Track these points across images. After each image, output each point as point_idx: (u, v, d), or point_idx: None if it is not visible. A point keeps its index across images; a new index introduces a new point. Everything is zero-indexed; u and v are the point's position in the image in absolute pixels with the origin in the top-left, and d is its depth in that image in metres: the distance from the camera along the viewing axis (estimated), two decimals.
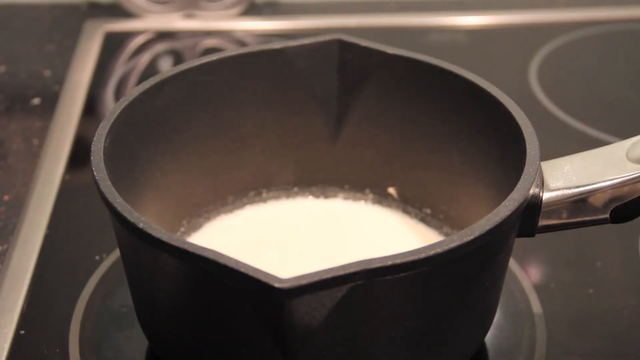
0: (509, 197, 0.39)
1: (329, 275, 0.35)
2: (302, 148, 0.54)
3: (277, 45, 0.51)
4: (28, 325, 0.50)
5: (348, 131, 0.53)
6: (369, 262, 0.35)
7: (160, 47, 0.82)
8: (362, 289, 0.36)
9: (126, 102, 0.45)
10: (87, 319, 0.50)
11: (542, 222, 0.43)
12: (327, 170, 0.55)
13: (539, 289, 0.53)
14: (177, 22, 0.85)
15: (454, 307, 0.41)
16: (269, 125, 0.53)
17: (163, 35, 0.84)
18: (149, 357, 0.48)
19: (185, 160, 0.51)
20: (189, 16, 0.86)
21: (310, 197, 0.56)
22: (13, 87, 0.76)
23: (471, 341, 0.45)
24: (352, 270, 0.35)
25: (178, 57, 0.81)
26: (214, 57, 0.50)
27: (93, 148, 0.42)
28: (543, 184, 0.42)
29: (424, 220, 0.54)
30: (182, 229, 0.53)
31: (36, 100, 0.73)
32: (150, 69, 0.79)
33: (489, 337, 0.49)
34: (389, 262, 0.35)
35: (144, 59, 0.80)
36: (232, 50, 0.50)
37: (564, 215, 0.43)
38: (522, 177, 0.41)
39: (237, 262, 0.35)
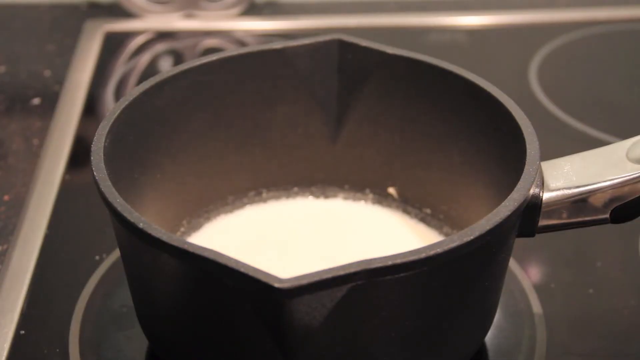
0: (509, 197, 0.39)
1: (329, 275, 0.35)
2: (302, 148, 0.54)
3: (277, 45, 0.51)
4: (28, 325, 0.50)
5: (348, 131, 0.53)
6: (369, 262, 0.35)
7: (160, 47, 0.82)
8: (362, 289, 0.36)
9: (126, 102, 0.45)
10: (87, 319, 0.50)
11: (542, 222, 0.43)
12: (327, 170, 0.55)
13: (539, 289, 0.53)
14: (177, 22, 0.85)
15: (454, 307, 0.41)
16: (269, 125, 0.53)
17: (163, 35, 0.84)
18: (149, 357, 0.48)
19: (185, 160, 0.51)
20: (189, 16, 0.86)
21: (310, 197, 0.56)
22: (13, 87, 0.76)
23: (471, 341, 0.45)
24: (352, 270, 0.35)
25: (178, 57, 0.81)
26: (214, 57, 0.50)
27: (93, 148, 0.42)
28: (543, 184, 0.42)
29: (424, 220, 0.54)
30: (182, 229, 0.53)
31: (36, 100, 0.73)
32: (150, 69, 0.79)
33: (489, 337, 0.49)
34: (389, 262, 0.35)
35: (144, 59, 0.80)
36: (232, 50, 0.50)
37: (564, 215, 0.43)
38: (522, 177, 0.41)
39: (237, 262, 0.35)
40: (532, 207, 0.42)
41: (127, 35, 0.83)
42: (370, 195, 0.56)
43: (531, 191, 0.41)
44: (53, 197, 0.60)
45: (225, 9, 0.86)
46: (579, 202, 0.42)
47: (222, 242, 0.52)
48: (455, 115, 0.49)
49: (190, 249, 0.36)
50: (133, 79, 0.77)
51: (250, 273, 0.34)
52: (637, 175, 0.42)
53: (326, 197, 0.56)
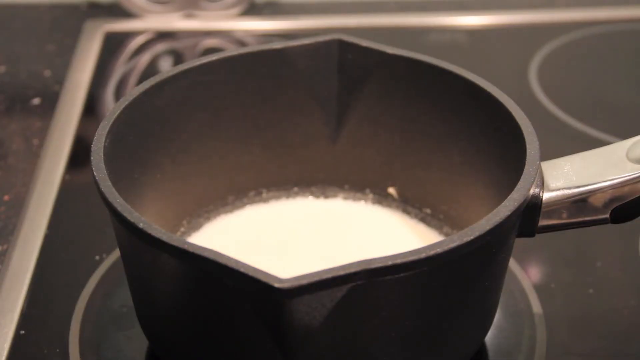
0: (509, 197, 0.39)
1: (329, 275, 0.35)
2: (302, 148, 0.54)
3: (277, 45, 0.51)
4: (28, 325, 0.50)
5: (348, 131, 0.53)
6: (369, 262, 0.35)
7: (160, 47, 0.82)
8: (362, 289, 0.36)
9: (126, 102, 0.45)
10: (87, 319, 0.50)
11: (542, 222, 0.43)
12: (327, 170, 0.55)
13: (539, 289, 0.53)
14: (177, 22, 0.85)
15: (454, 307, 0.41)
16: (269, 125, 0.53)
17: (163, 35, 0.84)
18: (149, 357, 0.48)
19: (185, 160, 0.51)
20: (189, 16, 0.86)
21: (310, 197, 0.56)
22: (13, 87, 0.76)
23: (471, 341, 0.45)
24: (352, 270, 0.35)
25: (178, 57, 0.81)
26: (214, 57, 0.50)
27: (93, 148, 0.42)
28: (543, 184, 0.42)
29: (424, 220, 0.54)
30: (182, 229, 0.53)
31: (36, 100, 0.73)
32: (150, 69, 0.79)
33: (489, 337, 0.49)
34: (389, 262, 0.35)
35: (144, 59, 0.80)
36: (232, 50, 0.50)
37: (564, 215, 0.43)
38: (522, 177, 0.41)
39: (237, 262, 0.35)
40: (532, 207, 0.42)
41: (127, 35, 0.83)
42: (370, 195, 0.56)
43: (531, 191, 0.41)
44: (53, 197, 0.60)
45: (225, 9, 0.86)
46: (579, 202, 0.42)
47: (222, 242, 0.52)
48: (455, 115, 0.49)
49: (190, 249, 0.36)
50: (133, 79, 0.77)
51: (250, 273, 0.34)
52: (637, 175, 0.42)
53: (326, 197, 0.56)
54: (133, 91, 0.46)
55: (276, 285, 0.34)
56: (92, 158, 0.42)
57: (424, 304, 0.39)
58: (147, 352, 0.48)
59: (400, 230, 0.54)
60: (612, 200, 0.42)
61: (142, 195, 0.47)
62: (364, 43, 0.50)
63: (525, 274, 0.54)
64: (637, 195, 0.42)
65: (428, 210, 0.54)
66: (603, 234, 0.53)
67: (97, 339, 0.49)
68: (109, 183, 0.40)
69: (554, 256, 0.56)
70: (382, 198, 0.55)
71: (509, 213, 0.39)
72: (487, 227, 0.38)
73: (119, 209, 0.38)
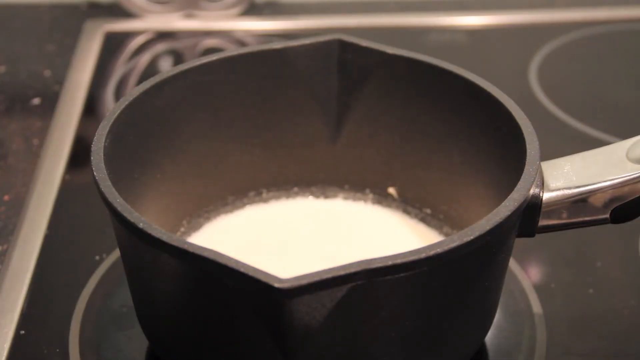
0: (509, 197, 0.39)
1: (329, 275, 0.35)
2: (302, 148, 0.54)
3: (277, 45, 0.51)
4: (28, 325, 0.50)
5: (348, 131, 0.53)
6: (369, 262, 0.35)
7: (160, 47, 0.82)
8: (362, 289, 0.36)
9: (126, 102, 0.45)
10: (87, 319, 0.50)
11: (542, 222, 0.43)
12: (327, 170, 0.55)
13: (539, 289, 0.53)
14: (177, 22, 0.85)
15: (454, 307, 0.41)
16: (269, 125, 0.53)
17: (163, 35, 0.84)
18: (149, 357, 0.48)
19: (185, 160, 0.51)
20: (189, 16, 0.86)
21: (310, 197, 0.56)
22: (13, 87, 0.76)
23: (471, 341, 0.45)
24: (352, 270, 0.35)
25: (178, 57, 0.81)
26: (214, 57, 0.50)
27: (93, 148, 0.42)
28: (543, 184, 0.42)
29: (424, 220, 0.54)
30: (182, 229, 0.53)
31: (36, 100, 0.73)
32: (150, 69, 0.79)
33: (489, 337, 0.49)
34: (389, 262, 0.35)
35: (144, 59, 0.80)
36: (232, 50, 0.50)
37: (564, 215, 0.43)
38: (522, 177, 0.41)
39: (237, 262, 0.35)
40: (532, 207, 0.42)
41: (127, 35, 0.83)
42: (370, 195, 0.56)
43: (531, 191, 0.41)
44: (53, 197, 0.60)
45: (225, 9, 0.86)
46: (579, 202, 0.42)
47: (222, 242, 0.52)
48: (455, 115, 0.49)
49: (190, 249, 0.36)
50: (133, 79, 0.77)
51: (250, 273, 0.34)
52: (637, 175, 0.42)
53: (326, 197, 0.56)
54: (133, 91, 0.46)
55: (276, 285, 0.34)
56: (92, 158, 0.42)
57: (424, 304, 0.39)
58: (147, 352, 0.48)
59: (400, 230, 0.54)
60: (612, 200, 0.42)
61: (142, 195, 0.47)
62: (364, 43, 0.50)
63: (525, 274, 0.54)
64: (637, 195, 0.42)
65: (428, 210, 0.54)
66: (603, 234, 0.53)
67: (97, 339, 0.49)
68: (109, 183, 0.40)
69: (554, 256, 0.56)
70: (382, 198, 0.55)
71: (509, 213, 0.39)
72: (487, 227, 0.38)
73: (119, 209, 0.38)
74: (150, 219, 0.39)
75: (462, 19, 0.86)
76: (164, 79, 0.48)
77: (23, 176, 0.63)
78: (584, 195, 0.42)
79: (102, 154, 0.42)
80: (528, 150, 0.42)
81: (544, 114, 0.71)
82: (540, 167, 0.42)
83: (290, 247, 0.52)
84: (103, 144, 0.42)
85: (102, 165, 0.41)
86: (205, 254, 0.35)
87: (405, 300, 0.38)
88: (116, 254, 0.54)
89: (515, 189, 0.40)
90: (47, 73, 0.77)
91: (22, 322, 0.50)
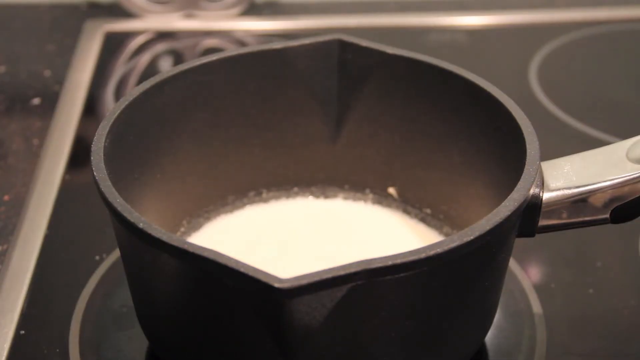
0: (509, 197, 0.39)
1: (329, 275, 0.35)
2: (302, 148, 0.54)
3: (277, 45, 0.51)
4: (28, 325, 0.50)
5: (348, 131, 0.53)
6: (369, 262, 0.35)
7: (160, 47, 0.82)
8: (362, 289, 0.36)
9: (126, 102, 0.45)
10: (87, 319, 0.50)
11: (542, 222, 0.43)
12: (327, 170, 0.55)
13: (539, 289, 0.53)
14: (177, 22, 0.85)
15: (454, 307, 0.41)
16: (269, 125, 0.53)
17: (163, 35, 0.84)
18: (149, 357, 0.48)
19: (185, 160, 0.51)
20: (189, 16, 0.86)
21: (310, 197, 0.56)
22: (13, 87, 0.76)
23: (471, 341, 0.45)
24: (352, 270, 0.35)
25: (178, 57, 0.81)
26: (214, 57, 0.50)
27: (93, 148, 0.42)
28: (543, 184, 0.42)
29: (424, 220, 0.54)
30: (182, 229, 0.53)
31: (36, 100, 0.73)
32: (150, 69, 0.79)
33: (489, 337, 0.49)
34: (389, 262, 0.35)
35: (144, 59, 0.80)
36: (232, 50, 0.50)
37: (564, 215, 0.43)
38: (522, 177, 0.41)
39: (237, 262, 0.35)
40: (532, 207, 0.42)
41: (127, 35, 0.83)
42: (370, 195, 0.56)
43: (531, 191, 0.41)
44: (53, 197, 0.60)
45: (225, 9, 0.86)
46: (579, 202, 0.42)
47: (222, 242, 0.52)
48: (455, 115, 0.49)
49: (190, 249, 0.36)
50: (133, 79, 0.77)
51: (250, 273, 0.34)
52: (637, 175, 0.42)
53: (326, 197, 0.56)
54: (133, 91, 0.46)
55: (276, 285, 0.34)
56: (92, 158, 0.42)
57: (424, 304, 0.39)
58: (147, 352, 0.48)
59: (400, 230, 0.54)
60: (612, 200, 0.42)
61: (142, 195, 0.47)
62: (364, 43, 0.50)
63: (525, 274, 0.54)
64: (637, 195, 0.42)
65: (428, 210, 0.54)
66: (603, 234, 0.53)
67: (97, 339, 0.49)
68: (109, 183, 0.40)
69: (554, 256, 0.56)
70: (382, 198, 0.55)
71: (509, 213, 0.39)
72: (487, 227, 0.38)
73: (119, 209, 0.38)
74: (150, 219, 0.39)
75: (462, 19, 0.86)
76: (164, 79, 0.48)
77: (23, 176, 0.63)
78: (584, 195, 0.42)
79: (102, 154, 0.42)
80: (528, 150, 0.42)
81: (544, 114, 0.71)
82: (540, 167, 0.42)
83: (290, 247, 0.52)
84: (103, 144, 0.42)
85: (102, 165, 0.41)
86: (205, 254, 0.35)
87: (405, 300, 0.38)
88: (116, 254, 0.54)
89: (515, 189, 0.40)
90: (47, 73, 0.77)
91: (22, 322, 0.50)
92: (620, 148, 0.43)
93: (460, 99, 0.48)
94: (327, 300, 0.35)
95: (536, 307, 0.51)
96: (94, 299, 0.51)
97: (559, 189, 0.42)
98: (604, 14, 0.87)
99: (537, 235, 0.43)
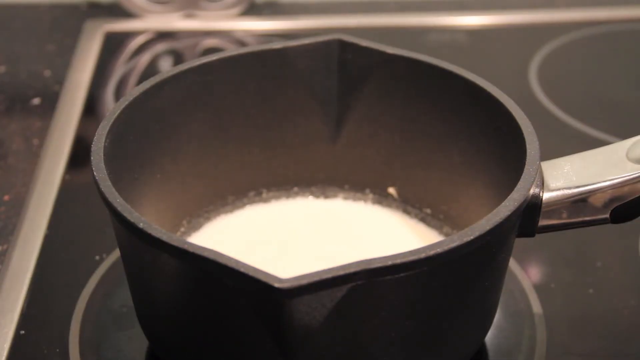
0: (509, 197, 0.39)
1: (329, 275, 0.35)
2: (302, 148, 0.54)
3: (277, 45, 0.51)
4: (28, 325, 0.50)
5: (348, 131, 0.53)
6: (369, 262, 0.35)
7: (160, 47, 0.82)
8: (362, 289, 0.36)
9: (126, 102, 0.45)
10: (87, 319, 0.50)
11: (542, 222, 0.43)
12: (327, 170, 0.55)
13: (539, 289, 0.53)
14: (177, 22, 0.85)
15: (454, 307, 0.41)
16: (269, 125, 0.53)
17: (163, 35, 0.84)
18: (149, 357, 0.48)
19: (185, 160, 0.51)
20: (189, 16, 0.86)
21: (310, 197, 0.56)
22: (13, 87, 0.76)
23: (471, 341, 0.45)
24: (352, 270, 0.35)
25: (178, 57, 0.81)
26: (214, 57, 0.50)
27: (93, 148, 0.42)
28: (543, 184, 0.42)
29: (424, 220, 0.54)
30: (182, 229, 0.53)
31: (36, 100, 0.73)
32: (150, 69, 0.79)
33: (489, 337, 0.49)
34: (389, 262, 0.35)
35: (144, 59, 0.80)
36: (232, 50, 0.50)
37: (564, 215, 0.43)
38: (522, 177, 0.41)
39: (237, 262, 0.35)
40: (532, 207, 0.42)
41: (127, 35, 0.83)
42: (370, 195, 0.56)
43: (531, 191, 0.41)
44: (53, 197, 0.60)
45: (225, 9, 0.86)
46: (579, 202, 0.42)
47: (222, 242, 0.52)
48: (455, 115, 0.49)
49: (190, 249, 0.36)
50: (133, 79, 0.77)
51: (250, 273, 0.34)
52: (637, 175, 0.42)
53: (326, 197, 0.56)
54: (133, 91, 0.46)
55: (276, 285, 0.34)
56: (92, 158, 0.42)
57: (424, 304, 0.39)
58: (147, 352, 0.48)
59: (400, 230, 0.54)
60: (612, 200, 0.42)
61: (142, 195, 0.47)
62: (364, 43, 0.50)
63: (525, 274, 0.54)
64: (637, 195, 0.42)
65: (428, 210, 0.54)
66: (603, 234, 0.53)
67: (97, 339, 0.49)
68: (109, 183, 0.40)
69: (554, 256, 0.56)
70: (382, 198, 0.55)
71: (509, 213, 0.39)
72: (487, 227, 0.38)
73: (119, 209, 0.38)
74: (150, 219, 0.39)
75: (462, 19, 0.86)
76: (164, 79, 0.48)
77: (23, 176, 0.63)
78: (584, 195, 0.42)
79: (102, 154, 0.42)
80: (528, 150, 0.42)
81: (544, 114, 0.71)
82: (540, 167, 0.42)
83: (290, 247, 0.52)
84: (103, 144, 0.42)
85: (102, 165, 0.41)
86: (205, 254, 0.35)
87: (405, 300, 0.38)
88: (116, 254, 0.54)
89: (515, 189, 0.40)
90: (47, 73, 0.77)
91: (22, 322, 0.50)
92: (620, 148, 0.43)
93: (460, 99, 0.48)
94: (327, 300, 0.35)
95: (536, 307, 0.51)
96: (94, 299, 0.51)
97: (559, 189, 0.42)
98: (604, 14, 0.87)
99: (537, 235, 0.43)
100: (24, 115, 0.71)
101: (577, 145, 0.58)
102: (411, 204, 0.55)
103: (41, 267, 0.54)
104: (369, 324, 0.38)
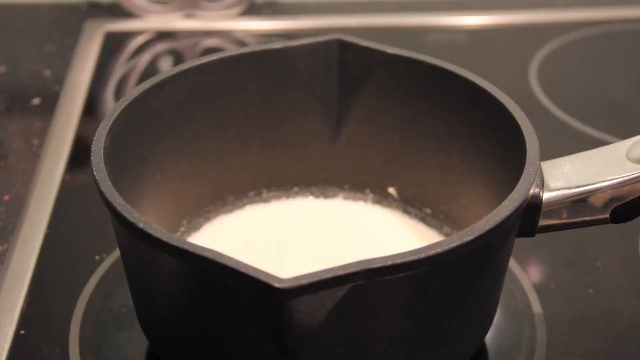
0: (509, 197, 0.39)
1: (329, 275, 0.35)
2: (302, 148, 0.54)
3: (277, 45, 0.51)
4: (28, 325, 0.50)
5: (348, 131, 0.53)
6: (369, 262, 0.35)
7: (160, 47, 0.82)
8: (362, 289, 0.36)
9: (126, 102, 0.45)
10: (87, 319, 0.50)
11: (542, 222, 0.43)
12: (327, 170, 0.55)
13: (539, 289, 0.53)
14: (177, 22, 0.85)
15: (454, 307, 0.41)
16: (269, 125, 0.53)
17: (163, 35, 0.84)
18: (149, 357, 0.48)
19: (185, 160, 0.51)
20: (189, 16, 0.86)
21: (310, 197, 0.56)
22: (13, 87, 0.76)
23: (471, 341, 0.45)
24: (352, 270, 0.35)
25: (178, 57, 0.81)
26: (214, 57, 0.50)
27: (93, 148, 0.42)
28: (543, 184, 0.42)
29: (424, 220, 0.54)
30: (182, 229, 0.53)
31: (36, 100, 0.73)
32: (150, 69, 0.79)
33: (489, 337, 0.49)
34: (389, 262, 0.35)
35: (144, 59, 0.80)
36: (232, 50, 0.50)
37: (564, 215, 0.43)
38: (522, 177, 0.41)
39: (237, 262, 0.35)
40: (532, 207, 0.42)
41: (127, 35, 0.83)
42: (370, 195, 0.56)
43: (531, 191, 0.41)
44: (53, 197, 0.60)
45: (225, 9, 0.86)
46: (579, 202, 0.42)
47: (222, 242, 0.52)
48: (455, 115, 0.49)
49: (190, 249, 0.36)
50: (133, 79, 0.77)
51: (250, 273, 0.34)
52: (637, 175, 0.42)
53: (326, 197, 0.56)
54: (133, 91, 0.46)
55: (276, 285, 0.34)
56: (92, 158, 0.42)
57: (424, 304, 0.39)
58: (147, 352, 0.48)
59: (400, 230, 0.54)
60: (612, 200, 0.42)
61: (142, 195, 0.47)
62: (364, 43, 0.50)
63: (525, 274, 0.54)
64: (637, 195, 0.42)
65: (428, 210, 0.54)
66: (603, 234, 0.53)
67: (97, 339, 0.49)
68: (109, 183, 0.40)
69: (554, 256, 0.56)
70: (382, 198, 0.55)
71: (509, 213, 0.39)
72: (487, 227, 0.38)
73: (119, 209, 0.38)
74: (150, 219, 0.39)
75: (462, 19, 0.86)
76: (164, 79, 0.48)
77: (23, 176, 0.63)
78: (584, 195, 0.42)
79: (102, 154, 0.42)
80: (528, 150, 0.42)
81: (544, 114, 0.71)
82: (540, 167, 0.42)
83: (290, 247, 0.52)
84: (103, 144, 0.42)
85: (102, 165, 0.41)
86: (205, 254, 0.35)
87: (405, 300, 0.38)
88: (116, 254, 0.54)
89: (515, 189, 0.40)
90: (47, 73, 0.77)
91: (22, 322, 0.50)
92: (620, 148, 0.43)
93: (460, 99, 0.48)
94: (327, 300, 0.35)
95: (536, 307, 0.51)
96: (94, 299, 0.51)
97: (559, 189, 0.42)
98: (604, 14, 0.87)
99: (537, 235, 0.43)
100: (24, 115, 0.71)
101: (577, 145, 0.58)
102: (411, 204, 0.55)
103: (41, 267, 0.54)
104: (369, 324, 0.38)
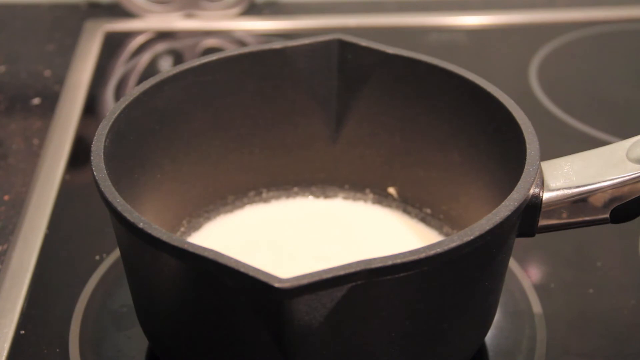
0: (509, 197, 0.39)
1: (329, 275, 0.35)
2: (302, 148, 0.54)
3: (277, 45, 0.51)
4: (28, 325, 0.50)
5: (348, 131, 0.53)
6: (369, 262, 0.35)
7: (160, 47, 0.82)
8: (362, 289, 0.36)
9: (126, 102, 0.45)
10: (87, 319, 0.50)
11: (542, 222, 0.43)
12: (327, 170, 0.55)
13: (539, 289, 0.53)
14: (177, 22, 0.85)
15: (454, 307, 0.41)
16: (269, 125, 0.53)
17: (163, 35, 0.84)
18: (149, 357, 0.48)
19: (186, 160, 0.51)
20: (189, 16, 0.86)
21: (310, 197, 0.56)
22: (13, 87, 0.76)
23: (471, 341, 0.45)
24: (352, 270, 0.35)
25: (178, 57, 0.81)
26: (214, 57, 0.50)
27: (93, 148, 0.42)
28: (543, 184, 0.42)
29: (424, 220, 0.54)
30: (182, 229, 0.53)
31: (36, 100, 0.73)
32: (150, 69, 0.79)
33: (489, 337, 0.49)
34: (389, 262, 0.35)
35: (144, 59, 0.80)
36: (232, 50, 0.50)
37: (564, 215, 0.43)
38: (522, 177, 0.41)
39: (237, 262, 0.35)
40: (532, 207, 0.42)
41: (127, 35, 0.83)
42: (370, 195, 0.56)
43: (531, 191, 0.41)
44: (53, 197, 0.60)
45: (225, 9, 0.86)
46: (579, 202, 0.42)
47: (222, 242, 0.52)
48: (455, 115, 0.49)
49: (190, 249, 0.36)
50: (133, 79, 0.77)
51: (250, 273, 0.34)
52: (637, 175, 0.42)
53: (326, 197, 0.56)
54: (133, 91, 0.46)
55: (276, 285, 0.34)
56: (92, 158, 0.42)
57: (424, 304, 0.39)
58: (147, 352, 0.48)
59: (400, 230, 0.54)
60: (612, 200, 0.42)
61: (142, 195, 0.47)
62: (364, 43, 0.50)
63: (525, 274, 0.54)
64: (637, 195, 0.42)
65: (428, 210, 0.54)
66: (603, 234, 0.53)
67: (97, 339, 0.49)
68: (109, 183, 0.40)
69: (554, 256, 0.56)
70: (382, 198, 0.55)
71: (509, 213, 0.39)
72: (487, 227, 0.38)
73: (119, 209, 0.38)
74: (150, 219, 0.39)
75: (462, 19, 0.86)
76: (164, 79, 0.48)
77: (23, 176, 0.63)
78: (584, 195, 0.42)
79: (102, 154, 0.42)
80: (528, 150, 0.42)
81: (544, 114, 0.71)
82: (540, 167, 0.42)
83: (290, 247, 0.52)
84: (103, 144, 0.42)
85: (102, 165, 0.41)
86: (205, 254, 0.35)
87: (405, 300, 0.38)
88: (116, 254, 0.54)
89: (515, 188, 0.40)
90: (47, 73, 0.77)
91: (22, 322, 0.50)
92: (620, 148, 0.43)
93: (460, 99, 0.48)
94: (327, 300, 0.35)
95: (536, 307, 0.51)
96: (94, 299, 0.51)
97: (559, 189, 0.42)
98: (604, 14, 0.87)
99: (537, 235, 0.43)
100: (24, 115, 0.71)
101: (577, 145, 0.58)
102: (411, 204, 0.55)
103: (41, 267, 0.54)
104: (369, 324, 0.38)
